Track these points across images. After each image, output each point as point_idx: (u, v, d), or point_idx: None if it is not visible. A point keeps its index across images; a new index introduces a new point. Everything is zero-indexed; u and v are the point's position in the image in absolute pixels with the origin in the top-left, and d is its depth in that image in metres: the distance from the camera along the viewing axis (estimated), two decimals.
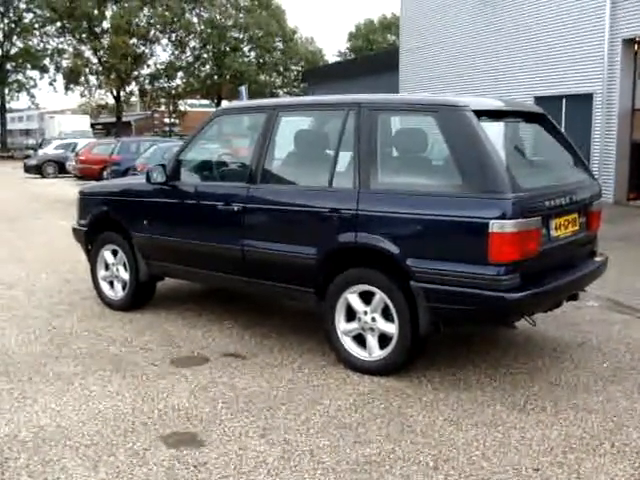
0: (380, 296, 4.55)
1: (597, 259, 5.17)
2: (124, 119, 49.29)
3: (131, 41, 44.16)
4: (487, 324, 4.89)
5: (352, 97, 4.94)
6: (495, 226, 4.01)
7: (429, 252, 4.30)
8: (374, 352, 4.66)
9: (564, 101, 15.73)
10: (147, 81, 47.80)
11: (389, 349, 4.58)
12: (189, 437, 3.86)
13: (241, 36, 49.20)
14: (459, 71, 19.28)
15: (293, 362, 5.00)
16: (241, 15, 48.29)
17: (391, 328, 4.54)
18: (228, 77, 48.66)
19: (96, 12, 43.35)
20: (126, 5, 43.02)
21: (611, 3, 14.37)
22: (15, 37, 45.19)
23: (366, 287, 4.62)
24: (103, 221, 6.40)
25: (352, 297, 4.70)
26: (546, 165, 5.06)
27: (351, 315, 4.76)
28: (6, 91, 47.63)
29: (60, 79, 45.15)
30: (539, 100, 15.70)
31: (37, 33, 44.20)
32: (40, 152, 30.35)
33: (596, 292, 6.89)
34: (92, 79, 46.13)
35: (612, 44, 14.55)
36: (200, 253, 5.58)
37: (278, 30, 48.59)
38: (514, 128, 4.99)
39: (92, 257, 6.59)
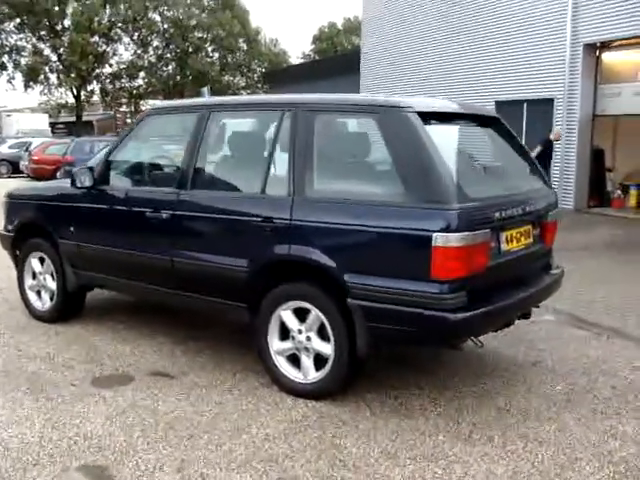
0: (315, 314, 4.18)
1: (552, 273, 4.86)
2: (86, 118, 48.24)
3: (92, 39, 43.20)
4: (431, 346, 4.55)
5: (288, 97, 4.57)
6: (438, 239, 3.66)
7: (368, 267, 3.94)
8: (309, 374, 4.29)
9: (525, 106, 15.57)
10: (108, 80, 46.85)
11: (325, 371, 4.21)
12: (97, 471, 3.47)
13: (204, 36, 48.46)
14: (420, 74, 19.08)
15: (224, 382, 4.61)
16: (204, 15, 47.57)
17: (327, 348, 4.18)
18: (191, 77, 47.91)
19: (57, 9, 42.30)
20: (87, 2, 42.02)
21: (573, 8, 14.23)
22: None
23: (301, 304, 4.25)
24: (30, 226, 5.95)
25: (286, 314, 4.33)
26: (499, 173, 4.73)
27: (285, 333, 4.38)
28: None
29: (19, 77, 43.97)
30: (500, 105, 15.56)
31: None
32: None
33: (553, 305, 6.60)
34: (52, 77, 45.05)
35: (573, 49, 14.41)
36: (128, 263, 5.16)
37: (241, 31, 47.94)
38: (465, 132, 4.65)
39: (19, 265, 6.13)
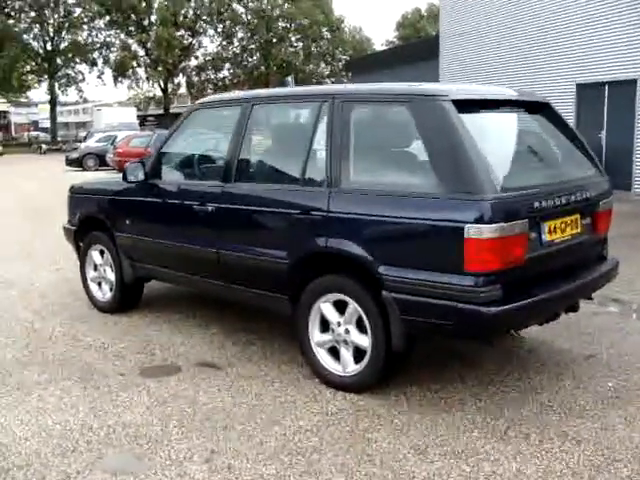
0: (353, 306, 4.15)
1: (605, 264, 4.65)
2: (175, 111, 49.55)
3: (178, 33, 44.23)
4: (466, 340, 4.44)
5: (326, 88, 4.56)
6: (471, 231, 3.55)
7: (403, 259, 3.87)
8: (348, 366, 4.26)
9: (606, 88, 14.90)
10: (194, 73, 47.90)
11: (363, 364, 4.17)
12: (129, 460, 3.55)
13: (288, 26, 48.79)
14: (499, 58, 18.54)
15: (268, 374, 4.64)
16: (287, 5, 47.87)
17: (365, 341, 4.14)
18: (275, 67, 48.38)
19: (143, 4, 43.52)
20: None
21: None
22: (64, 32, 45.81)
23: (339, 296, 4.22)
24: (90, 220, 6.15)
25: (325, 306, 4.31)
26: (544, 161, 4.53)
27: (326, 326, 4.37)
28: (56, 85, 48.38)
29: (109, 72, 45.62)
30: (581, 87, 14.94)
31: (86, 27, 44.72)
32: (82, 145, 30.64)
33: (619, 295, 6.36)
34: (140, 72, 46.46)
35: None
36: (179, 255, 5.27)
37: (324, 19, 48.00)
38: (509, 120, 4.49)
39: (81, 257, 6.35)
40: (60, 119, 74.10)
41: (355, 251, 4.01)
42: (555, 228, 4.05)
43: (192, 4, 44.55)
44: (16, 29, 44.39)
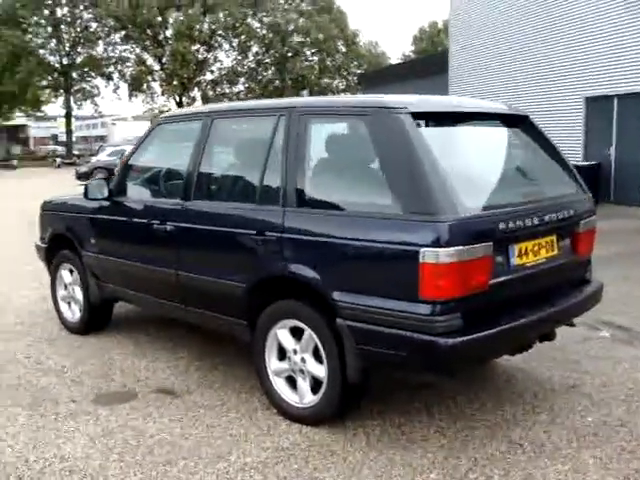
0: (309, 333, 3.88)
1: (587, 288, 4.34)
2: None
3: (193, 47, 44.39)
4: (423, 373, 4.15)
5: (284, 101, 4.30)
6: (427, 255, 3.27)
7: (357, 284, 3.59)
8: (305, 397, 3.99)
9: (616, 101, 14.53)
10: (209, 87, 48.01)
11: (319, 395, 3.89)
12: None
13: (303, 40, 48.80)
14: (507, 72, 18.27)
15: (225, 403, 4.37)
16: (302, 19, 47.91)
17: (321, 371, 3.86)
18: (290, 81, 48.37)
19: (159, 19, 43.73)
20: (189, 12, 43.19)
21: None
22: (80, 46, 46.14)
23: (295, 322, 3.95)
24: (59, 238, 5.94)
25: (282, 333, 4.05)
26: (517, 178, 4.23)
27: (283, 353, 4.10)
28: (72, 99, 48.70)
29: (124, 86, 45.87)
30: (590, 101, 14.60)
31: (101, 42, 45.03)
32: (94, 159, 30.65)
33: (613, 319, 6.04)
34: (155, 86, 46.66)
35: None
36: (141, 276, 5.03)
37: (339, 34, 47.95)
38: (480, 134, 4.22)
39: (52, 276, 6.14)
40: (79, 133, 74.74)
41: (308, 275, 3.75)
42: (527, 251, 3.75)
43: (207, 19, 44.68)
44: (32, 44, 44.83)
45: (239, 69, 48.21)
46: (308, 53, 50.52)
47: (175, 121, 5.17)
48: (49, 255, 6.13)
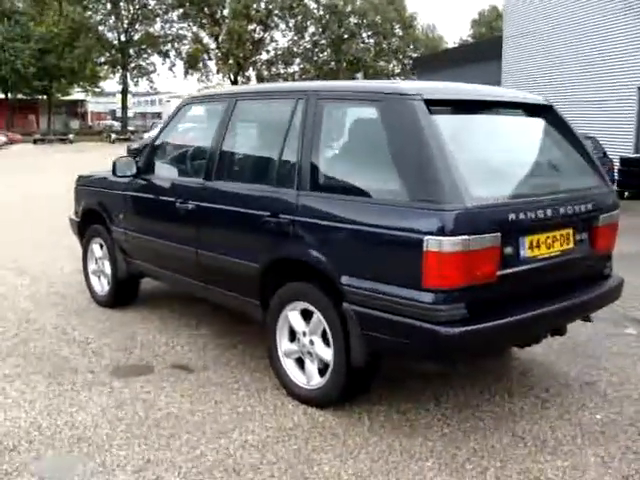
0: (318, 317, 3.91)
1: (605, 283, 4.25)
2: None
3: (250, 27, 44.51)
4: (426, 362, 4.14)
5: (303, 84, 4.32)
6: (430, 243, 3.26)
7: (365, 270, 3.60)
8: (313, 379, 4.03)
9: None
10: (264, 67, 48.14)
11: (326, 378, 3.93)
12: (63, 464, 3.43)
13: (360, 22, 48.42)
14: (559, 60, 17.83)
15: (238, 381, 4.45)
16: (359, 1, 47.52)
17: (328, 354, 3.89)
18: (345, 63, 48.13)
19: None
20: None
21: None
22: (138, 24, 46.74)
23: (304, 305, 3.99)
24: (91, 212, 6.08)
25: (293, 315, 4.09)
26: (535, 169, 4.13)
27: (294, 335, 4.15)
28: (128, 76, 49.46)
29: (180, 64, 46.35)
30: None
31: (159, 19, 45.54)
32: (146, 136, 31.07)
33: None
34: (210, 64, 46.99)
35: None
36: (164, 253, 5.14)
37: (396, 16, 47.45)
38: (498, 123, 4.15)
39: (83, 250, 6.30)
40: (137, 109, 75.87)
41: (318, 258, 3.77)
42: (539, 243, 3.70)
43: None
44: (92, 20, 45.59)
45: (295, 50, 48.15)
46: (364, 35, 50.15)
47: (201, 102, 5.24)
48: (81, 229, 6.28)
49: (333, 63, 48.90)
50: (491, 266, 3.40)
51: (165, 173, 5.24)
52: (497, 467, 3.39)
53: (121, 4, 45.88)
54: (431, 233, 3.26)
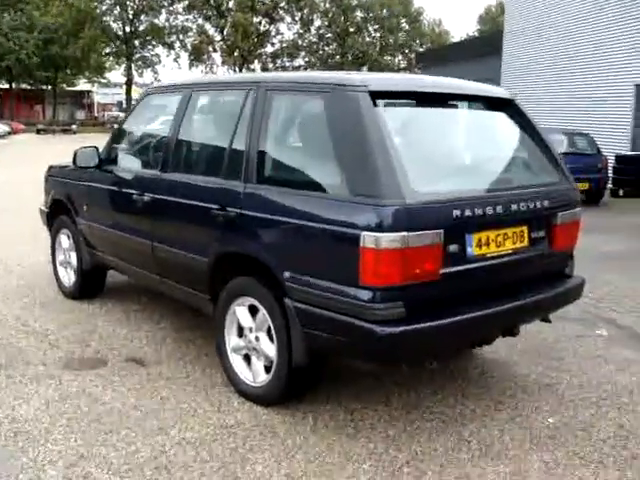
0: (263, 312, 3.83)
1: (565, 283, 4.15)
2: None
3: (255, 19, 44.36)
4: (363, 361, 4.04)
5: (254, 75, 4.24)
6: (367, 240, 3.17)
7: (305, 265, 3.52)
8: (259, 376, 3.95)
9: None
10: (269, 60, 47.99)
11: (270, 376, 3.85)
12: None
13: (366, 16, 48.18)
14: (557, 56, 17.71)
15: (189, 376, 4.37)
16: None
17: (272, 351, 3.81)
18: (350, 57, 47.93)
19: None
20: None
21: None
22: (143, 15, 46.63)
23: (251, 300, 3.91)
24: (58, 203, 6.01)
25: (240, 310, 4.01)
26: (488, 165, 4.02)
27: (242, 330, 4.07)
28: (133, 67, 49.39)
29: (184, 56, 46.28)
30: None
31: (164, 11, 45.44)
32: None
33: (616, 317, 5.81)
34: (215, 57, 46.85)
35: None
36: (124, 246, 5.06)
37: (402, 11, 47.21)
38: (452, 117, 4.05)
39: (52, 240, 6.24)
40: None
41: (262, 253, 3.69)
42: (488, 241, 3.60)
43: None
44: (97, 10, 45.52)
45: (300, 43, 47.97)
46: (370, 29, 49.90)
47: (162, 92, 5.17)
48: (50, 220, 6.21)
49: (338, 57, 48.68)
50: (432, 264, 3.31)
51: (125, 164, 5.16)
52: (435, 471, 3.30)
53: None
54: (368, 229, 3.17)
